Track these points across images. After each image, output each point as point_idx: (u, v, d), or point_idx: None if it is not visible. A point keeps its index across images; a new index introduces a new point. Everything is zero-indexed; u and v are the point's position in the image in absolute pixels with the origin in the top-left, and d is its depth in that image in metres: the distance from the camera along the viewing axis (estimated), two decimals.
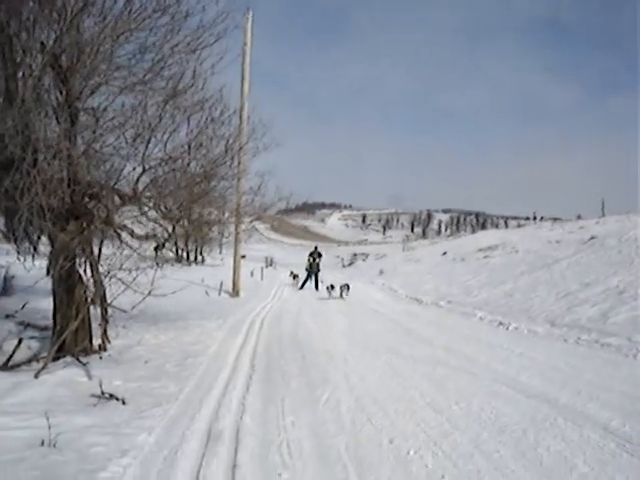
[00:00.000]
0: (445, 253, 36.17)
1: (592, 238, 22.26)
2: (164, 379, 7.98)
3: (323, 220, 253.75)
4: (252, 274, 32.90)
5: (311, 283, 28.12)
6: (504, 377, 7.99)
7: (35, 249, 9.49)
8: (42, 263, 10.81)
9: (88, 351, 9.30)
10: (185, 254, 41.21)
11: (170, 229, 10.79)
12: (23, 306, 12.73)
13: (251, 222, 13.49)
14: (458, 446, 5.34)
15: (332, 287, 22.50)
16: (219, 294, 22.22)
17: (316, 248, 30.08)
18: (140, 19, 8.23)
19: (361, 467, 4.87)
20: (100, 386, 7.02)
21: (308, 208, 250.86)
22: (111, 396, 6.90)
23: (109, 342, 10.13)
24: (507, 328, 12.58)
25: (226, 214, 12.58)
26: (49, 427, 5.32)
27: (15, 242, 9.04)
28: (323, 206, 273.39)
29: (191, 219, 11.31)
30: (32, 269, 9.52)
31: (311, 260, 28.52)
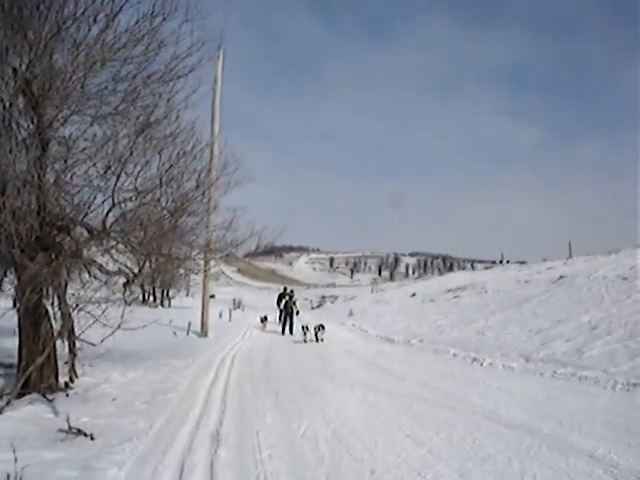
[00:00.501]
0: (414, 294, 36.17)
1: (561, 277, 22.42)
2: (133, 416, 7.75)
3: (291, 263, 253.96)
4: (220, 315, 32.50)
5: (286, 326, 24.80)
6: (483, 410, 7.90)
7: None
8: (6, 303, 10.49)
9: (54, 388, 9.03)
10: (152, 296, 40.71)
11: (140, 264, 10.61)
12: None
13: (221, 258, 13.29)
14: (442, 476, 5.21)
15: (306, 328, 20.36)
16: (187, 334, 21.82)
17: (285, 289, 27.26)
18: (114, 49, 8.18)
19: None
20: (67, 421, 6.78)
21: (276, 251, 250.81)
22: (79, 431, 6.67)
23: (77, 376, 9.88)
24: (481, 364, 12.50)
25: (196, 250, 12.39)
26: (15, 460, 5.09)
27: None
28: (291, 249, 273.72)
29: (161, 253, 11.10)
30: None
31: (285, 299, 25.36)
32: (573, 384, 9.86)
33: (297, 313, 25.31)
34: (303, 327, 20.62)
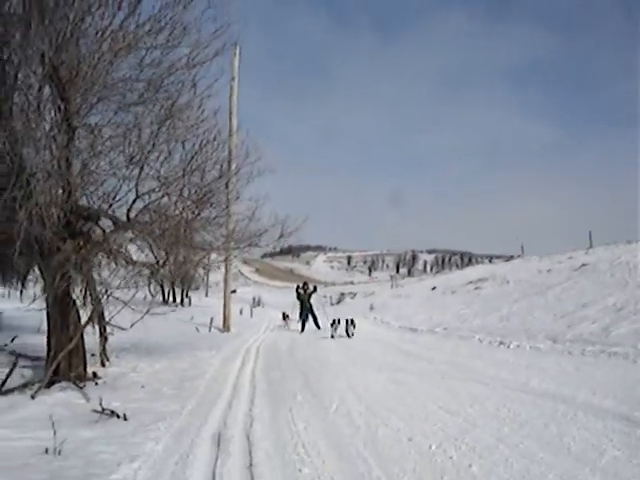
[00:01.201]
0: (434, 288, 35.96)
1: (583, 265, 22.21)
2: (164, 400, 7.81)
3: (308, 262, 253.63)
4: (241, 312, 32.61)
5: (306, 323, 22.34)
6: (515, 384, 7.85)
7: (23, 284, 9.35)
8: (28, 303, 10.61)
9: (82, 378, 9.08)
10: (172, 296, 40.87)
11: (164, 255, 10.64)
12: (13, 339, 12.46)
13: (245, 247, 13.25)
14: (480, 440, 5.20)
15: (338, 322, 18.17)
16: (209, 330, 21.84)
17: (305, 284, 24.45)
18: (139, 36, 8.23)
19: (383, 461, 4.71)
20: (100, 404, 6.84)
21: (293, 251, 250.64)
22: (112, 413, 6.73)
23: (108, 360, 9.99)
24: (508, 347, 12.38)
25: (220, 240, 12.38)
26: (54, 433, 5.15)
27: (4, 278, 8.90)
28: (308, 248, 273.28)
29: (185, 244, 11.12)
30: (20, 307, 9.38)
31: (302, 292, 23.19)
32: (602, 359, 9.76)
33: (310, 308, 22.95)
34: (333, 321, 18.42)
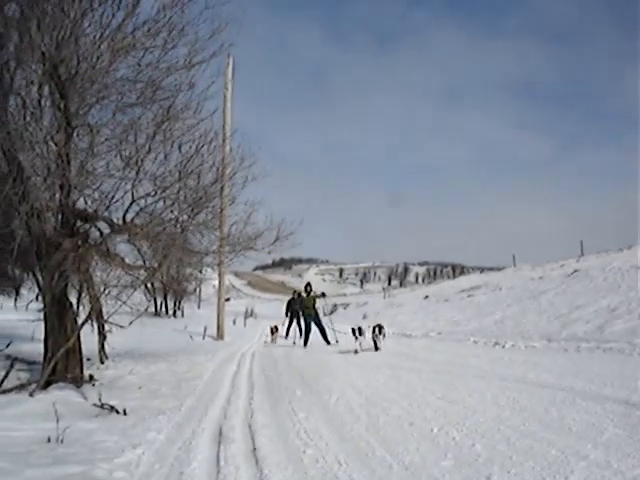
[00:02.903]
0: (427, 297, 36.05)
1: (575, 271, 22.41)
2: (162, 398, 7.85)
3: (300, 275, 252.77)
4: (234, 323, 32.57)
5: (309, 335, 17.49)
6: (512, 377, 7.94)
7: (17, 292, 9.36)
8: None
9: (79, 380, 9.06)
10: (164, 307, 40.86)
11: (159, 259, 10.66)
12: (8, 344, 12.43)
13: (241, 251, 13.26)
14: (481, 424, 5.28)
15: (359, 331, 13.86)
16: (203, 338, 21.85)
17: (308, 285, 18.67)
18: (138, 36, 8.29)
19: (385, 443, 4.76)
20: (99, 399, 6.86)
21: (285, 263, 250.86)
22: (112, 408, 6.77)
23: (106, 357, 9.97)
24: (503, 346, 12.46)
25: (215, 244, 12.40)
26: (57, 421, 5.19)
27: None
28: (300, 261, 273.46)
29: (180, 247, 11.15)
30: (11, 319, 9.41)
31: (303, 297, 18.32)
32: (598, 354, 9.91)
33: (316, 317, 17.75)
34: (354, 330, 13.96)
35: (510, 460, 4.13)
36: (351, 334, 14.19)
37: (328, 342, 17.34)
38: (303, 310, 18.14)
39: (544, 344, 11.85)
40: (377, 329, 13.78)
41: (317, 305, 18.17)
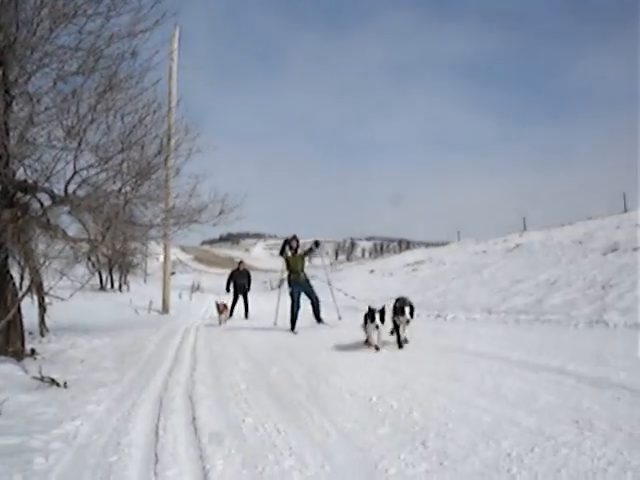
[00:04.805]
0: (372, 271, 36.33)
1: (518, 246, 22.89)
2: (104, 371, 7.81)
3: (248, 250, 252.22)
4: (180, 297, 32.36)
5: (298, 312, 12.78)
6: (450, 347, 8.17)
7: None
8: None
9: (20, 354, 8.95)
10: (110, 282, 40.34)
11: (103, 231, 10.53)
12: None
13: (186, 224, 13.14)
14: (419, 393, 5.42)
15: (375, 316, 8.62)
16: (149, 312, 21.72)
17: (294, 238, 13.44)
18: (79, 4, 8.11)
19: (326, 411, 4.87)
20: (40, 372, 6.78)
21: (232, 238, 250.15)
22: (52, 381, 6.69)
23: (47, 330, 9.88)
24: (445, 318, 12.76)
25: (160, 217, 12.29)
26: None
27: None
28: (247, 236, 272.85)
29: (124, 220, 11.03)
30: None
31: (288, 255, 13.31)
32: (537, 326, 10.27)
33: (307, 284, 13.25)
34: (367, 315, 8.92)
35: (445, 426, 4.25)
36: (364, 323, 9.13)
37: (320, 320, 13.34)
38: (289, 277, 13.24)
39: (485, 316, 12.17)
40: (400, 310, 8.78)
41: (305, 268, 13.38)
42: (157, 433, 4.45)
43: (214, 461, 3.71)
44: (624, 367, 5.94)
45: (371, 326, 8.66)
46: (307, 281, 13.21)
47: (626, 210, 26.55)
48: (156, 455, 3.93)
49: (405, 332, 8.89)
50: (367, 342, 8.93)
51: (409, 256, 38.42)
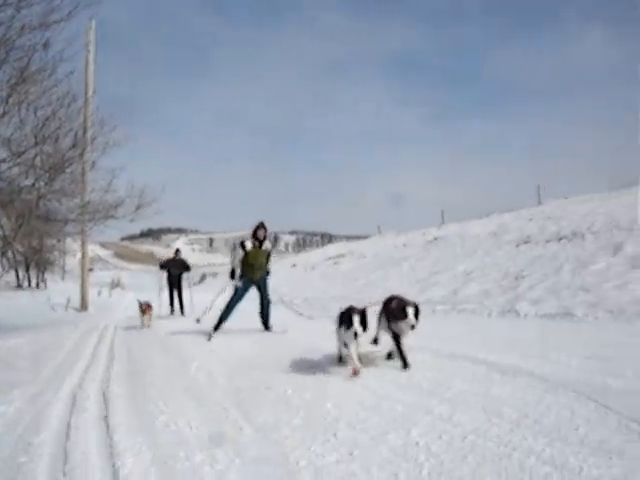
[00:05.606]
0: (294, 265, 36.50)
1: (436, 239, 23.42)
2: (18, 371, 7.61)
3: (169, 245, 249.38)
4: (99, 293, 31.78)
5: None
6: (366, 339, 8.24)
7: None
8: None
9: None
10: (27, 280, 39.26)
11: (15, 227, 10.30)
12: None
13: (102, 219, 12.94)
14: (333, 384, 5.59)
15: (348, 318, 5.98)
16: (66, 309, 21.28)
17: (262, 226, 11.13)
18: None
19: (241, 406, 4.92)
20: None
21: (153, 233, 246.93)
22: None
23: None
24: None
25: (75, 212, 12.05)
26: None
27: None
28: (169, 231, 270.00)
29: (37, 215, 10.80)
30: None
31: (248, 248, 10.95)
32: (452, 316, 10.67)
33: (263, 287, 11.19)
34: (341, 317, 6.29)
35: (357, 417, 4.37)
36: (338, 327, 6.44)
37: (268, 327, 11.11)
38: (245, 272, 10.94)
39: None
40: (401, 312, 6.28)
41: (268, 266, 11.40)
42: (68, 432, 4.41)
43: (124, 459, 3.71)
44: (533, 355, 6.24)
45: (347, 334, 6.01)
46: (264, 280, 11.19)
47: (540, 203, 27.57)
48: (66, 454, 3.90)
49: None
50: (341, 359, 6.61)
51: (331, 249, 38.82)
